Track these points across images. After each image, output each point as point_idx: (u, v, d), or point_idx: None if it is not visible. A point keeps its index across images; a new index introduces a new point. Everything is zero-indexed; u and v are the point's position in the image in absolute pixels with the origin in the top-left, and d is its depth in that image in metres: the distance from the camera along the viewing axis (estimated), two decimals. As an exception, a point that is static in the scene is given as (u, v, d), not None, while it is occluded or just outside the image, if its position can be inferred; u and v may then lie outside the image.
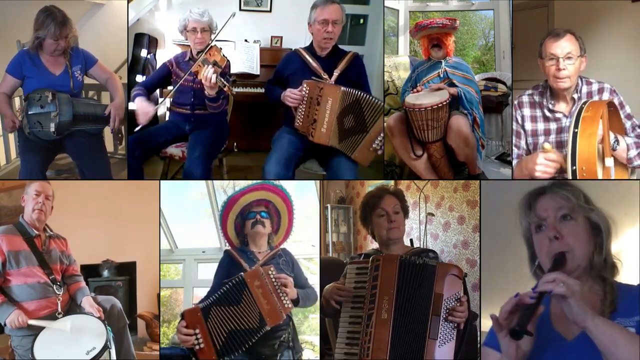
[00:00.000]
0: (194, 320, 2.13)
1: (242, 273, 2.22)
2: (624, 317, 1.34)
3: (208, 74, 2.70)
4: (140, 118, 2.80)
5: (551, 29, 2.50)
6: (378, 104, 2.76)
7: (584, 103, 2.25)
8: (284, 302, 2.21)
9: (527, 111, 2.55)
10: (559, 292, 1.27)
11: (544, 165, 2.26)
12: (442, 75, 3.16)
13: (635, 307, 1.35)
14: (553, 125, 2.50)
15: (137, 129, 2.83)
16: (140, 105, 2.82)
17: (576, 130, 2.14)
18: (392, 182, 3.53)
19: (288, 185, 2.57)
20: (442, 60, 3.17)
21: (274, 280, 2.22)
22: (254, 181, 2.56)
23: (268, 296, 2.18)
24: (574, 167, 2.12)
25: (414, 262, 2.01)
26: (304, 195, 3.78)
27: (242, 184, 2.57)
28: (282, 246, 2.55)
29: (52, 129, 2.78)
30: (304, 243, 3.65)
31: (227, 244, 2.56)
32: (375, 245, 2.47)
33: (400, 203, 2.33)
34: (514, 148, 2.57)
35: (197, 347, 2.10)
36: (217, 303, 2.17)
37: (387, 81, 3.74)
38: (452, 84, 3.08)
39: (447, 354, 1.93)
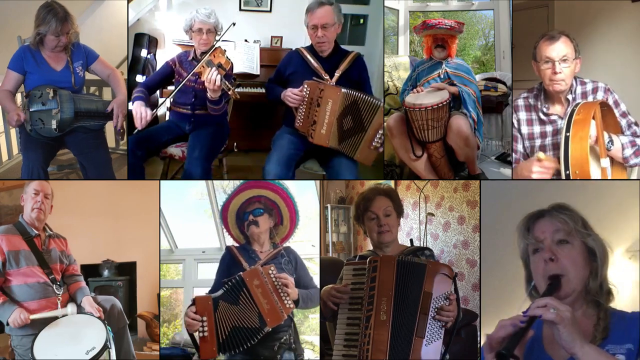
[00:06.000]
0: (204, 307, 2.12)
1: (240, 273, 2.20)
2: (615, 344, 1.36)
3: (212, 77, 2.69)
4: (137, 122, 2.74)
5: (545, 31, 2.49)
6: (374, 102, 2.75)
7: (576, 105, 2.25)
8: (285, 302, 2.18)
9: (522, 115, 2.55)
10: (549, 318, 1.29)
11: (539, 173, 2.28)
12: (442, 76, 3.16)
13: (628, 334, 1.37)
14: (549, 128, 2.50)
15: (134, 132, 2.80)
16: (138, 110, 2.74)
17: (568, 134, 2.15)
18: (391, 182, 3.53)
19: (286, 183, 2.56)
20: (443, 61, 3.17)
21: (274, 279, 2.19)
22: (241, 181, 2.52)
23: (268, 296, 2.16)
24: (567, 172, 2.14)
25: (409, 262, 2.00)
26: (304, 195, 3.78)
27: (236, 185, 2.55)
28: (286, 244, 2.51)
29: (54, 126, 2.78)
30: (304, 243, 3.65)
31: (233, 241, 2.56)
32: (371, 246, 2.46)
33: (392, 204, 2.29)
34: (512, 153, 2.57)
35: (201, 334, 2.08)
36: (223, 299, 2.16)
37: (387, 81, 3.74)
38: (452, 85, 3.08)
39: (434, 353, 1.92)
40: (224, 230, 2.54)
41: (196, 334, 2.10)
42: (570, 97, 2.44)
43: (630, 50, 3.45)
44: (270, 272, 2.21)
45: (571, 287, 1.43)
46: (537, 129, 2.53)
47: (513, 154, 2.57)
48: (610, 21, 3.51)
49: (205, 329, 2.09)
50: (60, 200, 2.62)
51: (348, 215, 4.49)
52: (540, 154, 2.32)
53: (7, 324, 2.29)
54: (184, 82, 2.88)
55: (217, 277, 2.39)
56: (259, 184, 2.48)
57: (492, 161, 3.68)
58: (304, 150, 2.92)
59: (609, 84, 2.49)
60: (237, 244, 2.50)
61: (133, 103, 2.81)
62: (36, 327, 2.29)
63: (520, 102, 2.57)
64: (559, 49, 2.35)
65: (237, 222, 2.49)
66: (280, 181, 2.50)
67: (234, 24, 2.86)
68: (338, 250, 4.39)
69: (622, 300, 2.29)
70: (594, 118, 2.18)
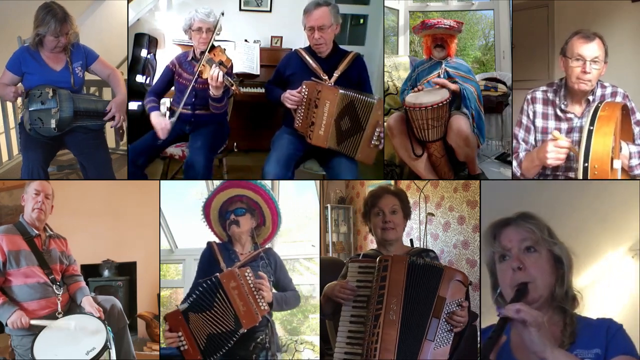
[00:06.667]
0: (176, 323, 2.14)
1: (217, 274, 2.21)
2: (583, 348, 1.39)
3: (215, 73, 2.71)
4: (160, 134, 2.86)
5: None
6: (369, 100, 2.74)
7: (600, 102, 2.25)
8: (260, 304, 2.19)
9: (539, 107, 2.54)
10: (526, 318, 1.30)
11: (555, 152, 2.26)
12: (442, 76, 3.15)
13: (595, 339, 1.40)
14: (564, 125, 2.49)
15: (159, 142, 2.89)
16: (157, 122, 2.86)
17: (591, 128, 2.13)
18: (392, 182, 3.53)
19: (283, 183, 2.56)
20: (443, 61, 3.17)
21: (250, 282, 2.21)
22: (222, 181, 2.52)
23: (244, 298, 2.17)
24: (586, 165, 2.12)
25: (423, 264, 2.00)
26: (304, 195, 3.78)
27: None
28: (269, 244, 2.52)
29: (53, 125, 2.78)
30: (304, 243, 3.65)
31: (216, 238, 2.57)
32: (375, 244, 2.46)
33: (400, 203, 2.31)
34: (522, 143, 2.55)
35: (182, 348, 2.12)
36: (194, 307, 2.16)
37: (387, 81, 3.73)
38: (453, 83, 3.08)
39: (441, 356, 1.93)
40: (207, 227, 2.54)
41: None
42: (590, 97, 2.45)
43: (630, 50, 3.45)
44: (246, 274, 2.22)
45: (538, 293, 1.46)
46: (552, 124, 2.52)
47: (523, 144, 2.55)
48: (610, 21, 3.51)
49: (184, 342, 2.12)
50: (61, 200, 2.62)
51: (348, 215, 4.49)
52: (555, 133, 2.32)
53: (6, 325, 2.29)
54: (192, 84, 2.89)
55: (197, 274, 2.40)
56: (241, 184, 2.48)
57: (492, 161, 3.68)
58: (304, 151, 2.91)
59: (622, 89, 2.50)
60: (219, 241, 2.51)
61: (149, 114, 2.92)
62: (36, 327, 2.29)
63: (539, 94, 2.56)
64: (592, 49, 2.36)
65: (219, 220, 2.50)
66: (262, 182, 2.50)
67: (222, 14, 2.88)
68: (338, 250, 4.39)
69: (623, 299, 2.30)
70: (616, 118, 2.17)
